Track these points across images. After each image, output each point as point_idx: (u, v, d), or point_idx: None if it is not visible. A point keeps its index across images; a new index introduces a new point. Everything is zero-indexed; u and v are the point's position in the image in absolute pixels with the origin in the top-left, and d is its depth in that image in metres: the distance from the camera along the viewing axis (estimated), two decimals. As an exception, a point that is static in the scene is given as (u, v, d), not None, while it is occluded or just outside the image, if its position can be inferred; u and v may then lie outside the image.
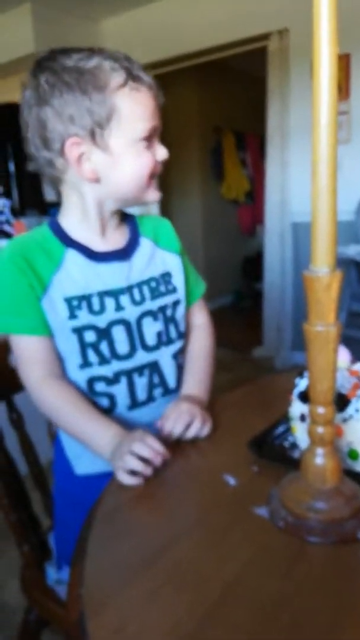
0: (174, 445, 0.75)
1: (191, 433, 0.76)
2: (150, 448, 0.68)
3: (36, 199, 3.47)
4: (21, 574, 0.94)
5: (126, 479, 0.66)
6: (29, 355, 0.80)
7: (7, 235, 3.11)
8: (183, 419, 0.76)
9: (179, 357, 0.91)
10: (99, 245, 0.83)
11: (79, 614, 0.48)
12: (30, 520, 0.95)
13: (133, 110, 0.75)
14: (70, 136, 0.75)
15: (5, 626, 1.35)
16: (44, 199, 3.44)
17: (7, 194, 3.52)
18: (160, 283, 0.88)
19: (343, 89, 2.95)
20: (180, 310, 0.91)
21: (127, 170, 0.78)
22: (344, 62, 2.90)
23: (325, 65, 0.47)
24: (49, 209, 3.39)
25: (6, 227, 3.38)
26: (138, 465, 0.66)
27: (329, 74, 0.47)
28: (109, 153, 0.76)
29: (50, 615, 0.88)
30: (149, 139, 0.78)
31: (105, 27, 3.93)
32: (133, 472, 0.66)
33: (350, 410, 0.62)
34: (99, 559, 0.54)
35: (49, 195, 3.46)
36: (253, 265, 5.15)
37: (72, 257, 0.81)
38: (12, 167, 3.49)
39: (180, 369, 0.92)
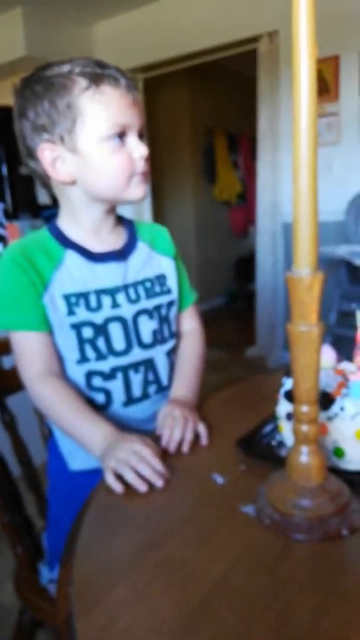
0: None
1: (186, 447, 0.76)
2: (152, 468, 0.67)
3: (29, 202, 3.48)
4: (15, 574, 0.95)
5: (114, 484, 0.66)
6: (29, 351, 0.82)
7: (1, 239, 3.11)
8: (178, 428, 0.77)
9: (172, 356, 0.94)
10: (95, 246, 0.86)
11: (68, 613, 0.49)
12: (23, 521, 0.95)
13: (96, 110, 0.77)
14: (42, 142, 0.79)
15: (1, 627, 1.36)
16: (37, 202, 3.45)
17: (0, 197, 3.52)
18: (155, 284, 0.91)
19: (332, 91, 2.97)
20: (174, 311, 0.94)
21: (100, 170, 0.80)
22: (333, 64, 2.92)
23: (305, 72, 0.48)
24: (42, 212, 3.39)
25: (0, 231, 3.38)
26: (135, 481, 0.65)
27: (309, 80, 0.48)
28: (79, 155, 0.79)
29: (44, 615, 0.88)
30: (120, 138, 0.79)
31: (97, 31, 3.94)
32: (120, 477, 0.67)
33: (335, 408, 0.63)
34: (88, 558, 0.55)
35: (42, 198, 3.47)
36: (246, 266, 5.17)
37: (71, 257, 0.84)
38: (4, 170, 3.49)
39: (172, 367, 0.94)
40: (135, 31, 3.72)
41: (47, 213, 3.31)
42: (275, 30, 3.12)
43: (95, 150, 0.79)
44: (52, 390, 0.80)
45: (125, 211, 0.96)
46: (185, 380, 0.91)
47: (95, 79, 0.77)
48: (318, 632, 0.44)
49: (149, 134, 3.66)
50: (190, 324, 1.01)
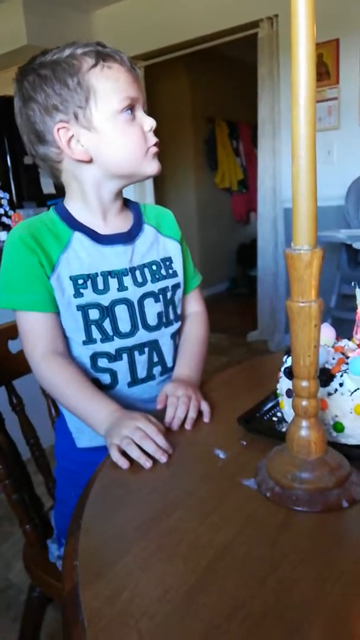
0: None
1: (189, 425, 0.77)
2: (156, 444, 0.68)
3: (34, 191, 3.48)
4: (23, 552, 0.97)
5: (120, 460, 0.67)
6: (35, 331, 0.82)
7: (6, 227, 3.12)
8: (182, 407, 0.78)
9: (177, 338, 0.95)
10: (102, 229, 0.87)
11: (73, 585, 0.50)
12: (32, 500, 0.97)
13: (106, 86, 0.79)
14: (56, 123, 0.79)
15: (13, 605, 1.40)
16: (42, 192, 3.45)
17: (5, 187, 3.52)
18: (161, 267, 0.92)
19: (332, 75, 2.94)
20: (179, 294, 0.95)
21: (116, 145, 0.81)
22: (333, 47, 2.89)
23: (303, 52, 0.48)
24: (47, 201, 3.40)
25: (4, 220, 3.38)
26: (139, 457, 0.67)
27: (307, 60, 0.48)
28: (95, 131, 0.80)
29: (52, 591, 0.90)
30: (131, 111, 0.81)
31: (96, 19, 3.91)
32: (125, 454, 0.68)
33: (334, 384, 0.64)
34: (94, 531, 0.56)
35: (47, 187, 3.47)
36: (248, 252, 5.18)
37: (79, 238, 0.85)
38: (9, 160, 3.49)
39: (177, 349, 0.95)
40: (134, 18, 3.68)
41: (52, 202, 3.31)
42: (275, 15, 3.09)
43: (109, 124, 0.80)
44: (57, 370, 0.81)
45: (131, 197, 0.96)
46: (188, 360, 0.92)
47: (102, 56, 0.79)
48: (318, 601, 0.44)
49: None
50: (194, 306, 1.02)
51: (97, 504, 0.61)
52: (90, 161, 0.82)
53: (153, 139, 0.84)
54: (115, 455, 0.67)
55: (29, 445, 1.04)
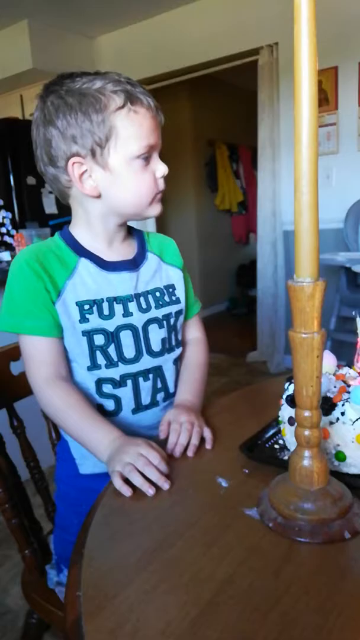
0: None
1: (191, 452, 0.77)
2: (157, 470, 0.68)
3: (36, 211, 3.52)
4: (22, 577, 0.96)
5: (122, 488, 0.67)
6: (38, 355, 0.82)
7: (8, 247, 3.14)
8: (184, 434, 0.78)
9: (178, 363, 0.96)
10: (107, 255, 0.88)
11: (76, 616, 0.49)
12: (31, 524, 0.96)
13: (129, 130, 0.79)
14: (72, 155, 0.80)
15: (9, 631, 1.37)
16: (44, 212, 3.49)
17: (8, 207, 3.55)
18: (165, 293, 0.93)
19: (331, 101, 3.00)
20: (181, 320, 0.96)
21: (127, 187, 0.82)
22: (332, 75, 2.96)
23: (306, 88, 0.49)
24: (49, 221, 3.43)
25: (7, 239, 3.41)
26: (142, 485, 0.66)
27: (309, 95, 0.49)
28: (109, 171, 0.81)
29: (51, 617, 0.89)
30: (147, 157, 0.81)
31: (101, 44, 4.00)
32: (128, 481, 0.68)
33: (336, 413, 0.64)
34: (96, 561, 0.56)
35: (49, 207, 3.51)
36: (247, 272, 5.22)
37: (85, 264, 0.85)
38: (12, 179, 3.53)
39: (178, 375, 0.96)
40: (137, 45, 3.77)
41: (54, 222, 3.34)
42: (275, 42, 3.16)
43: (125, 167, 0.81)
44: (60, 395, 0.81)
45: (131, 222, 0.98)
46: (190, 386, 0.93)
47: (130, 98, 0.79)
48: (322, 634, 0.44)
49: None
50: (194, 332, 1.03)
51: (99, 533, 0.61)
52: (98, 196, 0.83)
53: (162, 186, 0.85)
54: (118, 483, 0.67)
55: (28, 467, 1.03)
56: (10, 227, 3.32)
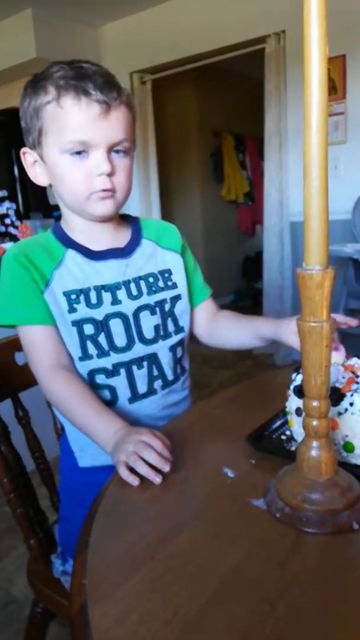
0: (176, 438, 0.77)
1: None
2: (158, 455, 0.67)
3: (40, 202, 3.52)
4: (28, 566, 0.96)
5: (129, 478, 0.66)
6: (38, 345, 0.83)
7: (13, 237, 3.15)
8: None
9: (178, 350, 0.94)
10: (95, 245, 0.87)
11: (82, 604, 0.49)
12: (36, 514, 0.97)
13: (54, 124, 0.78)
14: (26, 145, 0.83)
15: (15, 620, 1.38)
16: (48, 202, 3.49)
17: (12, 198, 3.56)
18: (159, 279, 0.91)
19: (339, 90, 2.97)
20: (180, 306, 0.94)
21: (60, 182, 0.83)
22: (339, 63, 2.92)
23: (315, 72, 0.48)
24: (53, 212, 3.43)
25: (11, 230, 3.42)
26: (148, 473, 0.66)
27: (319, 80, 0.48)
28: (47, 164, 0.82)
29: (56, 606, 0.89)
30: (80, 152, 0.79)
31: (105, 33, 3.97)
32: (133, 470, 0.68)
33: (344, 404, 0.64)
34: (102, 550, 0.56)
35: (53, 199, 3.50)
36: (253, 264, 5.20)
37: (72, 256, 0.85)
38: (16, 171, 3.53)
39: (178, 361, 0.94)
40: (142, 33, 3.74)
41: (58, 213, 3.37)
42: (282, 30, 3.12)
43: (57, 162, 0.80)
44: (63, 384, 0.81)
45: (134, 211, 0.97)
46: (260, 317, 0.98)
47: (61, 91, 0.76)
48: (329, 625, 0.44)
49: (157, 135, 3.68)
50: (215, 309, 1.03)
51: (105, 522, 0.60)
52: (50, 187, 0.86)
53: (100, 185, 0.80)
54: (125, 473, 0.67)
55: (34, 458, 1.03)
56: (14, 218, 3.33)
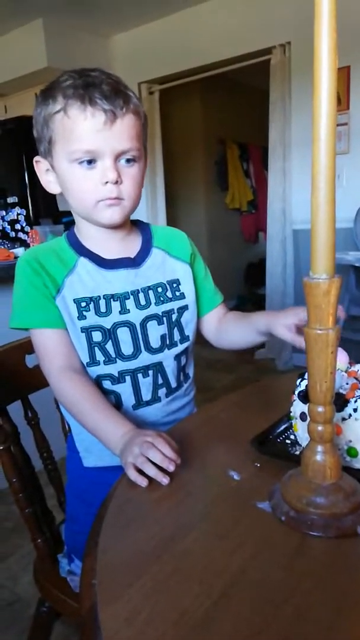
0: (182, 441, 0.78)
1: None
2: (164, 455, 0.68)
3: (50, 208, 3.54)
4: (34, 566, 0.97)
5: (138, 479, 0.67)
6: (49, 348, 0.84)
7: (23, 243, 3.17)
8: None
9: (182, 358, 0.95)
10: (107, 253, 0.88)
11: (91, 604, 0.50)
12: (43, 513, 0.98)
13: (62, 134, 0.79)
14: (39, 153, 0.84)
15: (19, 619, 1.38)
16: (58, 209, 3.52)
17: (23, 204, 3.58)
18: (167, 289, 0.92)
19: (343, 101, 2.99)
20: (187, 316, 0.95)
21: (69, 190, 0.83)
22: (344, 75, 2.95)
23: (325, 82, 0.49)
24: (62, 218, 3.46)
25: (21, 235, 3.44)
26: (157, 475, 0.67)
27: (328, 90, 0.49)
28: (57, 172, 0.83)
29: (62, 606, 0.90)
30: (90, 162, 0.79)
31: (114, 43, 4.02)
32: (141, 471, 0.68)
33: (348, 409, 0.65)
34: (111, 551, 0.56)
35: (62, 205, 3.53)
36: (256, 271, 5.22)
37: (83, 263, 0.87)
38: (26, 177, 3.56)
39: (182, 370, 0.95)
40: (151, 44, 3.78)
41: (67, 219, 3.39)
42: (288, 42, 3.15)
43: (66, 171, 0.81)
44: (74, 387, 0.82)
45: (141, 217, 0.98)
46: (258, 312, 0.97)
47: (69, 100, 0.77)
48: (334, 629, 0.44)
49: (163, 143, 3.70)
50: (225, 312, 1.04)
51: (113, 523, 0.61)
52: (61, 195, 0.86)
53: (106, 193, 0.80)
54: (133, 475, 0.68)
55: (42, 458, 1.05)
56: (24, 224, 3.35)
